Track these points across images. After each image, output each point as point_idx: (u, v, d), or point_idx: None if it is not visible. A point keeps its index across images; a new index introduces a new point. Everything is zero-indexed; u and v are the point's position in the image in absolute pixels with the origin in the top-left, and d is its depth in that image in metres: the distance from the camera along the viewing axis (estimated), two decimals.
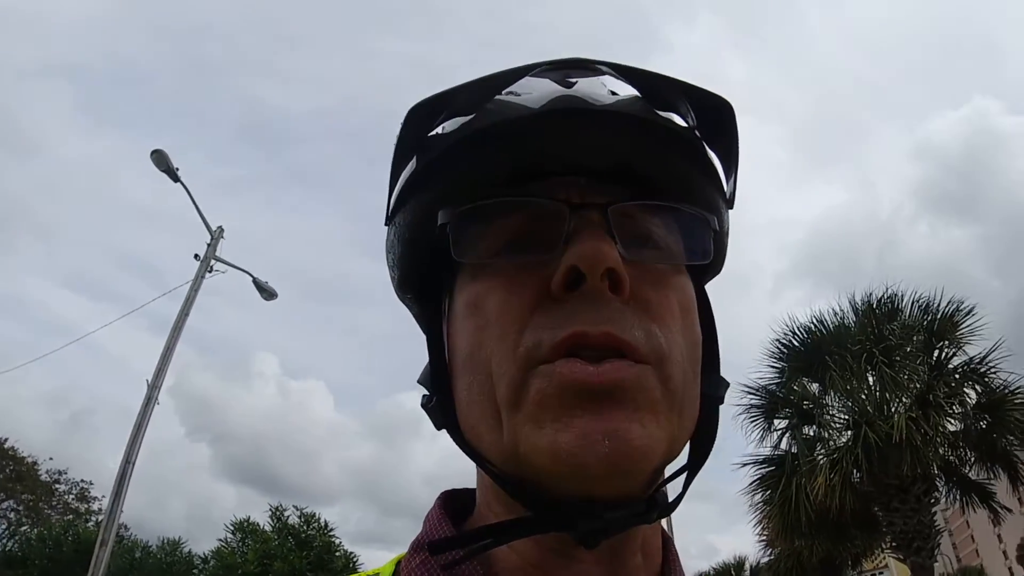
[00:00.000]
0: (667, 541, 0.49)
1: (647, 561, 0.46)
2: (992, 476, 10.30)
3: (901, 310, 10.62)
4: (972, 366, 10.14)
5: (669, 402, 0.41)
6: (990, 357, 10.04)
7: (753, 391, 10.68)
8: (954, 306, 10.27)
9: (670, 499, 0.46)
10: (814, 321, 10.76)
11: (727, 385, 0.50)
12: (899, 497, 9.77)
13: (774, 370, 10.85)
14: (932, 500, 10.18)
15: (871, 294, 10.74)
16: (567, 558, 0.43)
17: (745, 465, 10.82)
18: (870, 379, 10.22)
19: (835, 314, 10.80)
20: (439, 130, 0.46)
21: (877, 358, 9.90)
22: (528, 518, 0.41)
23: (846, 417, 10.37)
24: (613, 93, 0.46)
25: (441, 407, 0.47)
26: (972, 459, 10.26)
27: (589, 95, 0.44)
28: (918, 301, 10.52)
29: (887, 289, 10.72)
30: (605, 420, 0.38)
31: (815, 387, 10.77)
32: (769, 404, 10.71)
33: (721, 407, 0.49)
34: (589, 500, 0.39)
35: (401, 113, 0.45)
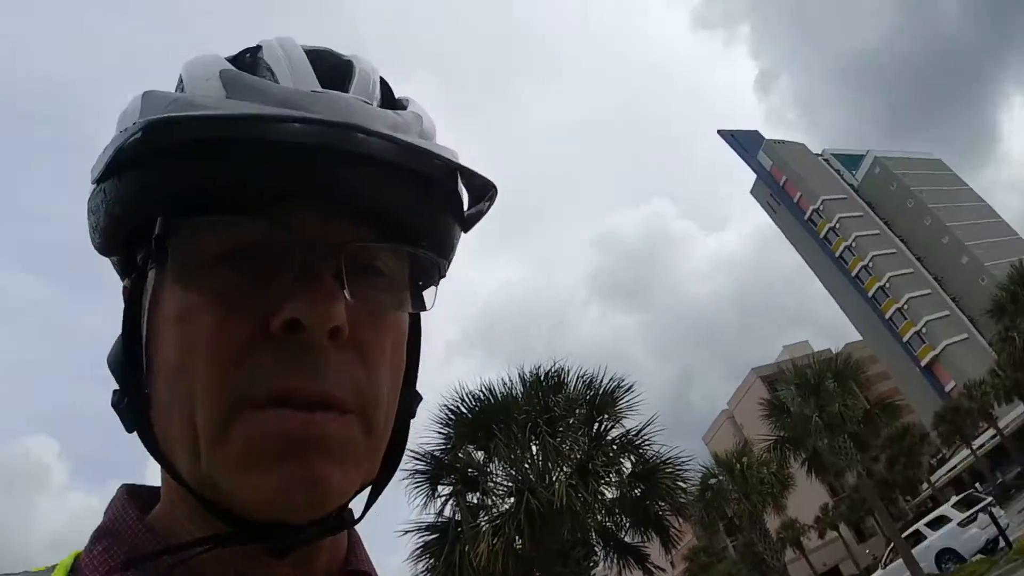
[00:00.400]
0: (351, 533, 0.52)
1: (334, 553, 0.49)
2: (646, 539, 11.14)
3: (566, 384, 11.34)
4: (629, 438, 11.08)
5: (369, 446, 0.44)
6: (645, 431, 11.04)
7: (419, 456, 10.77)
8: (615, 383, 11.15)
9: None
10: (483, 390, 11.08)
11: (420, 399, 0.53)
12: (560, 561, 10.21)
13: (441, 436, 10.99)
14: (592, 563, 10.76)
15: (539, 367, 11.36)
16: (262, 562, 0.43)
17: (408, 532, 10.70)
18: (534, 448, 10.78)
19: (504, 384, 11.20)
20: (174, 104, 0.41)
21: (541, 428, 10.50)
22: (228, 534, 0.42)
23: (510, 484, 10.81)
24: (382, 106, 0.46)
25: (133, 410, 0.44)
26: (628, 524, 11.07)
27: (358, 123, 0.41)
28: (583, 376, 11.30)
29: (555, 364, 11.43)
30: (308, 468, 0.39)
31: (480, 454, 11.12)
32: (434, 470, 10.84)
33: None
34: (285, 524, 0.41)
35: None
